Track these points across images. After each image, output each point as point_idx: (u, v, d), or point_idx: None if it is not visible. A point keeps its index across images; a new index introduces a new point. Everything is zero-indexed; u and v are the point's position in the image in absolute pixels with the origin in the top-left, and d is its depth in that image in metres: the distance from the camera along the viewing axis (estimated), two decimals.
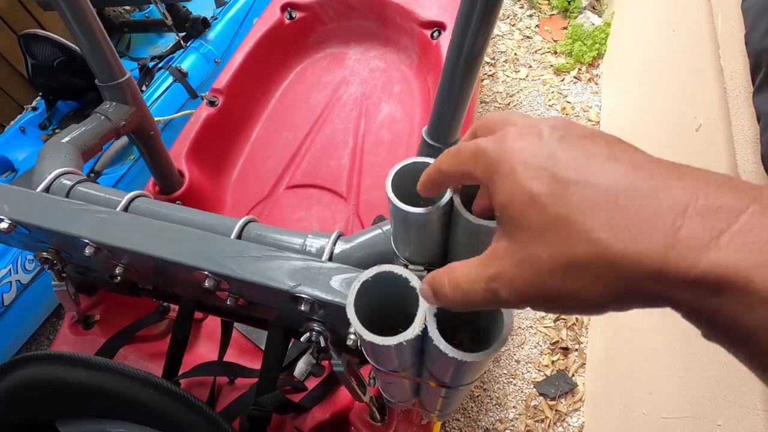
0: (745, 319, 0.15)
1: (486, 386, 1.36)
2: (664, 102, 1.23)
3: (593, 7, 2.21)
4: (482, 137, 0.23)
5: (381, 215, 0.95)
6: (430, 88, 1.23)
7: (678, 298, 0.16)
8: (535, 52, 2.14)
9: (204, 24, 1.76)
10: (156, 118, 0.89)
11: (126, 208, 0.54)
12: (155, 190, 1.02)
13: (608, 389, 1.15)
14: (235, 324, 0.90)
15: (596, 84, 1.97)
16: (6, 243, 0.57)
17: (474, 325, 0.33)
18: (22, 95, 1.86)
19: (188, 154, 1.09)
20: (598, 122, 1.84)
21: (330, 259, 0.50)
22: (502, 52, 2.17)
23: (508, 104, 1.98)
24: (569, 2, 2.17)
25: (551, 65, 2.07)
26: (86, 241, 0.47)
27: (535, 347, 1.42)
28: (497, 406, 1.32)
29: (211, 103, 1.18)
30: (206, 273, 0.44)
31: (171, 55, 1.76)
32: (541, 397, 1.32)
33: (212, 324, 0.98)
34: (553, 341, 1.41)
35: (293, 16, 1.35)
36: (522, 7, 2.32)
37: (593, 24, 2.10)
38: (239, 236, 0.52)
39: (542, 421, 1.29)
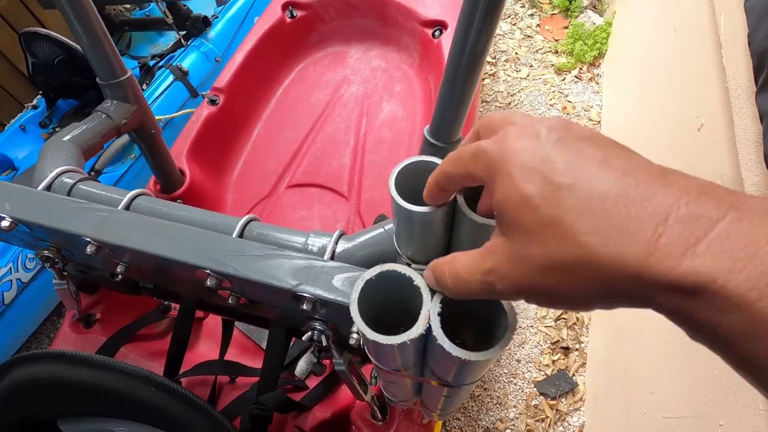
0: (720, 323, 0.16)
1: (486, 385, 1.36)
2: (666, 102, 1.22)
3: (594, 7, 2.20)
4: (484, 138, 0.24)
5: (382, 214, 0.95)
6: (432, 87, 1.23)
7: (659, 302, 0.17)
8: (536, 51, 2.14)
9: (205, 22, 1.76)
10: (157, 117, 0.89)
11: (127, 207, 0.54)
12: (156, 189, 1.01)
13: (609, 389, 1.15)
14: (236, 323, 0.90)
15: (597, 83, 1.96)
16: (7, 241, 0.57)
17: (477, 325, 0.33)
18: (23, 93, 1.86)
19: (189, 153, 1.09)
20: (599, 122, 1.84)
21: (332, 258, 0.50)
22: (503, 52, 2.17)
23: (509, 104, 1.98)
24: (570, 1, 2.17)
25: (552, 64, 2.07)
26: (88, 239, 0.47)
27: (536, 347, 1.42)
28: (498, 406, 1.32)
29: (213, 102, 1.17)
30: (208, 272, 0.44)
31: (171, 54, 1.75)
32: (541, 397, 1.32)
33: (213, 323, 0.98)
34: (554, 341, 1.41)
35: (294, 14, 1.34)
36: (523, 6, 2.32)
37: (594, 23, 2.09)
38: (241, 235, 0.52)
39: (543, 420, 1.29)
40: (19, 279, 1.35)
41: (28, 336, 1.50)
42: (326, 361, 0.84)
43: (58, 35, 1.49)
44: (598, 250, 0.18)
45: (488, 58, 2.12)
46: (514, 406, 1.32)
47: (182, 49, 1.74)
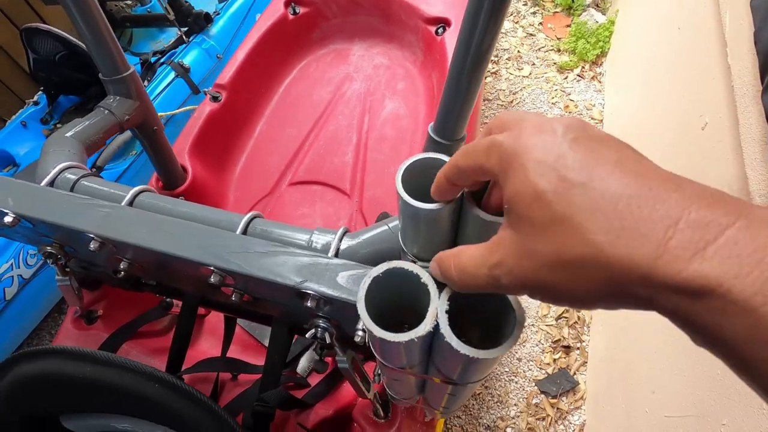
0: (724, 327, 0.16)
1: (487, 384, 1.36)
2: (669, 100, 1.22)
3: (597, 5, 2.20)
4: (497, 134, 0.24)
5: (385, 212, 0.95)
6: (435, 84, 1.22)
7: (664, 304, 0.17)
8: (539, 49, 2.13)
9: (206, 19, 1.75)
10: (158, 114, 0.88)
11: (131, 203, 0.54)
12: (158, 186, 1.01)
13: (610, 388, 1.15)
14: (238, 320, 0.90)
15: (599, 82, 1.96)
16: (10, 237, 0.56)
17: (482, 323, 0.33)
18: (24, 90, 1.85)
19: (191, 150, 1.08)
20: (601, 120, 1.84)
21: (336, 255, 0.50)
22: (505, 50, 2.17)
23: (511, 102, 1.97)
24: (573, 0, 2.17)
25: (554, 63, 2.06)
26: (91, 235, 0.46)
27: (537, 345, 1.42)
28: (498, 404, 1.32)
29: (215, 99, 1.17)
30: (212, 268, 0.44)
31: (173, 51, 1.75)
32: (542, 395, 1.32)
33: (215, 320, 0.98)
34: (555, 339, 1.41)
35: (297, 11, 1.34)
36: (525, 5, 2.31)
37: (597, 22, 2.09)
38: (245, 232, 0.51)
39: (543, 419, 1.29)
40: (21, 275, 1.35)
41: (29, 332, 1.50)
42: (328, 359, 0.84)
43: (59, 31, 1.48)
44: (607, 250, 0.18)
45: None
46: (515, 405, 1.32)
47: (184, 45, 1.74)
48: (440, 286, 0.29)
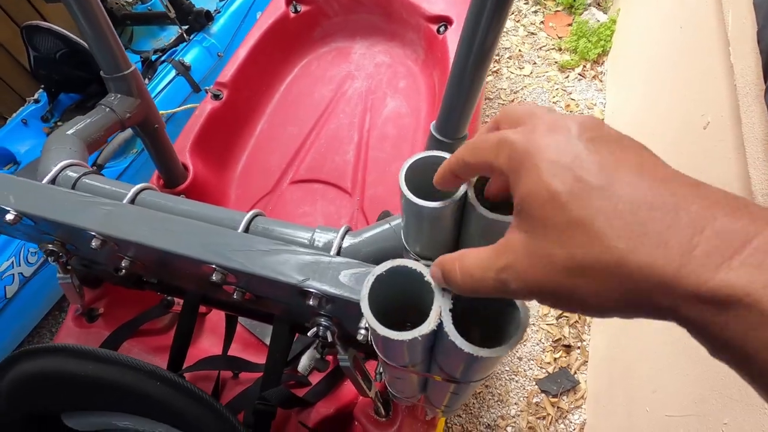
0: (750, 338, 0.15)
1: (488, 383, 1.36)
2: (670, 100, 1.22)
3: (598, 4, 2.19)
4: (506, 129, 0.23)
5: (386, 211, 0.94)
6: (436, 83, 1.22)
7: (686, 314, 0.17)
8: (540, 48, 2.13)
9: (207, 17, 1.75)
10: (159, 112, 0.88)
11: (132, 201, 0.53)
12: (159, 184, 1.01)
13: (611, 387, 1.15)
14: (239, 318, 0.90)
15: (601, 81, 1.96)
16: (11, 235, 0.56)
17: (484, 322, 0.33)
18: (24, 87, 1.85)
19: (192, 148, 1.08)
20: (603, 119, 1.83)
21: (338, 253, 0.50)
22: (506, 49, 2.16)
23: (512, 101, 1.97)
24: None
25: (556, 62, 2.06)
26: (93, 233, 0.46)
27: (538, 344, 1.42)
28: (499, 403, 1.32)
29: (216, 97, 1.17)
30: (214, 266, 0.44)
31: (174, 49, 1.75)
32: (543, 394, 1.32)
33: (216, 318, 0.98)
34: (556, 338, 1.41)
35: (298, 9, 1.34)
36: (527, 3, 2.30)
37: (598, 21, 2.08)
38: (246, 230, 0.51)
39: (544, 418, 1.29)
40: (21, 273, 1.35)
41: (29, 330, 1.50)
42: (328, 357, 0.84)
43: (60, 29, 1.48)
44: (628, 257, 0.17)
45: None
46: (516, 404, 1.32)
47: (184, 43, 1.73)
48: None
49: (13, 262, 1.32)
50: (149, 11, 1.89)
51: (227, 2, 1.87)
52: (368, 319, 0.29)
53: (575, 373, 1.34)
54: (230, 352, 0.75)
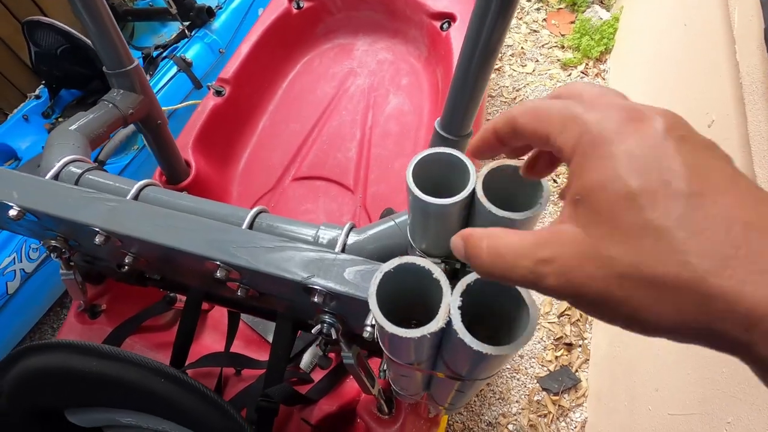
0: None
1: (489, 381, 1.36)
2: (674, 98, 1.21)
3: (601, 1, 2.18)
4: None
5: (389, 208, 0.94)
6: (439, 80, 1.22)
7: (764, 353, 0.15)
8: (542, 46, 2.12)
9: (209, 13, 1.74)
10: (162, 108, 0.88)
11: (136, 197, 0.53)
12: (162, 181, 1.01)
13: (612, 385, 1.15)
14: (241, 315, 0.90)
15: (603, 79, 1.95)
16: (14, 231, 0.56)
17: (490, 321, 0.33)
18: (25, 83, 1.84)
19: (195, 144, 1.08)
20: None
21: (343, 250, 0.50)
22: (508, 46, 2.15)
23: (515, 98, 1.96)
24: None
25: (558, 60, 2.05)
26: (96, 229, 0.46)
27: (539, 342, 1.42)
28: (500, 401, 1.33)
29: (218, 93, 1.16)
30: (218, 263, 0.44)
31: (175, 45, 1.74)
32: (544, 392, 1.33)
33: (218, 315, 0.98)
34: (557, 337, 1.41)
35: (301, 5, 1.33)
36: (529, 0, 2.29)
37: (601, 18, 2.08)
38: (251, 226, 0.51)
39: (545, 416, 1.29)
40: (23, 269, 1.35)
41: (31, 326, 1.50)
42: (331, 355, 0.84)
43: (61, 24, 1.48)
44: (710, 279, 0.15)
45: None
46: (517, 401, 1.32)
47: (186, 39, 1.73)
48: (452, 282, 0.29)
49: (14, 258, 1.32)
50: (151, 7, 1.89)
51: None
52: (376, 316, 0.28)
53: (576, 371, 1.34)
54: (232, 349, 0.74)
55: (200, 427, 0.47)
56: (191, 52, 1.68)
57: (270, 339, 0.95)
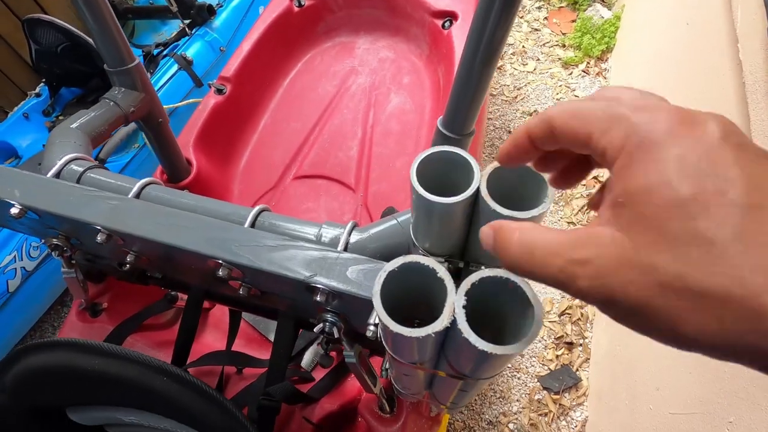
0: None
1: (492, 380, 1.36)
2: (675, 97, 1.21)
3: (603, 0, 2.18)
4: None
5: (391, 207, 0.94)
6: (441, 79, 1.21)
7: None
8: (544, 44, 2.12)
9: (209, 11, 1.74)
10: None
11: (138, 195, 0.53)
12: (163, 179, 1.01)
13: (613, 384, 1.15)
14: (243, 314, 0.90)
15: (605, 78, 1.95)
16: (15, 229, 0.56)
17: (496, 320, 0.33)
18: (26, 81, 1.84)
19: (196, 143, 1.08)
20: None
21: (345, 249, 0.50)
22: (510, 45, 2.15)
23: (515, 97, 1.96)
24: None
25: (559, 58, 2.05)
26: (98, 228, 0.46)
27: (540, 341, 1.42)
28: (501, 400, 1.33)
29: (219, 91, 1.16)
30: (220, 262, 0.44)
31: (176, 43, 1.74)
32: (544, 391, 1.33)
33: (219, 313, 0.98)
34: (558, 336, 1.41)
35: (302, 3, 1.33)
36: None
37: (603, 17, 2.07)
38: (253, 225, 0.51)
39: (546, 414, 1.29)
40: (24, 267, 1.35)
41: (32, 324, 1.50)
42: (332, 353, 0.84)
43: (62, 22, 1.47)
44: (765, 297, 0.14)
45: None
46: (518, 400, 1.32)
47: (186, 38, 1.73)
48: (455, 281, 0.29)
49: (15, 256, 1.32)
50: (151, 5, 1.88)
51: None
52: (381, 315, 0.28)
53: (577, 370, 1.34)
54: (233, 348, 0.74)
55: (202, 426, 0.47)
56: (192, 50, 1.68)
57: (271, 337, 0.95)
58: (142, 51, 1.77)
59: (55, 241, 0.53)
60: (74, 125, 0.66)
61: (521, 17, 2.24)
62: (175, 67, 1.62)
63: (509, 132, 1.86)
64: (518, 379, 1.36)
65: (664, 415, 0.86)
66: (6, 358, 0.50)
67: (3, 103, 1.80)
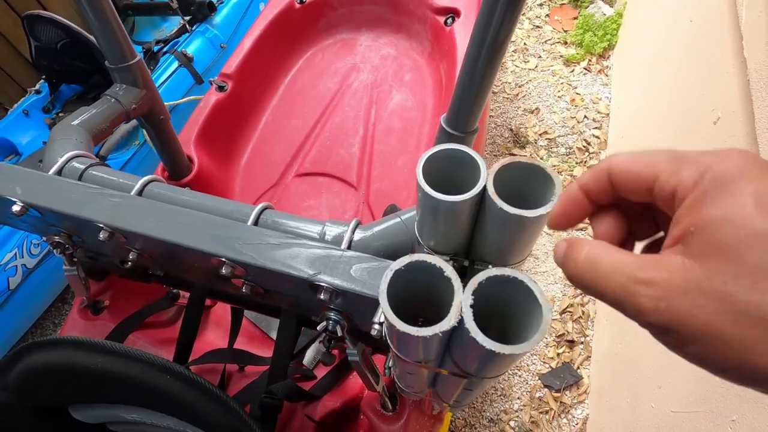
0: None
1: (497, 379, 1.36)
2: (678, 95, 1.21)
3: None
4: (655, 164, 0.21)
5: (393, 205, 0.94)
6: (443, 76, 1.21)
7: None
8: (545, 42, 2.11)
9: (210, 8, 1.73)
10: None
11: (140, 193, 0.53)
12: (164, 176, 1.00)
13: (614, 382, 1.15)
14: (245, 311, 0.90)
15: (606, 75, 1.94)
16: (15, 226, 0.56)
17: (500, 320, 0.33)
18: (25, 78, 1.83)
19: (197, 140, 1.07)
20: (608, 114, 1.82)
21: (349, 247, 0.49)
22: (511, 42, 2.14)
23: (517, 95, 1.95)
24: None
25: (561, 56, 2.04)
26: (101, 225, 0.46)
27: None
28: (502, 397, 1.33)
29: (221, 88, 1.16)
30: (223, 260, 0.44)
31: (176, 40, 1.73)
32: (545, 389, 1.33)
33: (221, 311, 0.98)
34: (559, 334, 1.41)
35: (303, 0, 1.32)
36: None
37: (604, 14, 2.06)
38: (256, 223, 0.51)
39: (547, 412, 1.29)
40: (25, 265, 1.35)
41: (33, 322, 1.50)
42: (334, 351, 0.84)
43: (61, 19, 1.47)
44: None
45: None
46: (519, 398, 1.32)
47: (187, 34, 1.72)
48: (462, 280, 0.29)
49: (16, 254, 1.32)
50: (151, 1, 1.87)
51: None
52: (387, 314, 0.28)
53: (578, 368, 1.34)
54: (235, 345, 0.74)
55: (205, 424, 0.47)
56: (192, 47, 1.67)
57: (273, 335, 0.96)
58: (143, 48, 1.76)
59: (56, 238, 0.53)
60: (75, 122, 0.66)
61: (523, 14, 2.23)
62: (176, 64, 1.61)
63: (510, 129, 1.85)
64: (519, 376, 1.36)
65: (666, 413, 0.86)
66: (9, 356, 0.50)
67: (3, 99, 1.80)
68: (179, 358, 0.61)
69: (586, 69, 1.98)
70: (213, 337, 0.94)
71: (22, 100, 1.66)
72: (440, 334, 0.27)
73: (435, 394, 0.53)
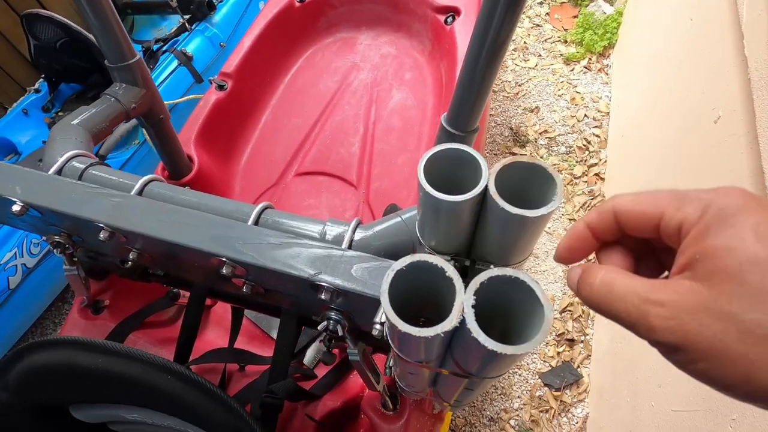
0: None
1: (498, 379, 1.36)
2: (679, 93, 1.20)
3: None
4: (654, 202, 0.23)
5: (393, 204, 0.94)
6: (443, 75, 1.21)
7: None
8: (545, 40, 2.11)
9: (209, 7, 1.73)
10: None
11: (140, 192, 0.53)
12: (164, 176, 1.00)
13: (615, 381, 1.15)
14: (245, 311, 0.90)
15: (606, 74, 1.94)
16: (15, 226, 0.56)
17: (501, 320, 0.33)
18: (24, 77, 1.83)
19: (197, 139, 1.07)
20: (608, 113, 1.82)
21: (350, 247, 0.49)
22: (511, 40, 2.14)
23: (517, 93, 1.95)
24: None
25: (561, 54, 2.04)
26: (101, 225, 0.46)
27: None
28: (502, 396, 1.33)
29: (220, 87, 1.16)
30: (224, 259, 0.44)
31: (175, 38, 1.73)
32: (546, 388, 1.33)
33: (221, 310, 0.98)
34: (559, 333, 1.41)
35: None
36: None
37: (605, 13, 2.06)
38: (256, 222, 0.51)
39: (547, 411, 1.29)
40: (24, 264, 1.35)
41: (33, 321, 1.50)
42: (334, 350, 0.84)
43: (61, 17, 1.46)
44: None
45: None
46: (519, 397, 1.33)
47: (186, 33, 1.72)
48: (463, 280, 0.29)
49: (16, 253, 1.31)
50: (151, 0, 1.87)
51: None
52: (389, 314, 0.28)
53: (578, 367, 1.34)
54: (235, 345, 0.74)
55: (205, 424, 0.47)
56: (192, 45, 1.67)
57: (273, 335, 0.95)
58: (142, 47, 1.76)
59: (56, 238, 0.53)
60: (75, 121, 0.66)
61: (523, 13, 2.23)
62: (175, 62, 1.61)
63: (510, 128, 1.85)
64: (519, 375, 1.36)
65: (666, 412, 0.87)
66: (9, 356, 0.50)
67: (2, 98, 1.80)
68: (179, 358, 0.61)
69: (586, 67, 1.97)
70: (213, 336, 0.94)
71: (21, 99, 1.66)
72: (442, 335, 0.27)
73: (436, 394, 0.53)
